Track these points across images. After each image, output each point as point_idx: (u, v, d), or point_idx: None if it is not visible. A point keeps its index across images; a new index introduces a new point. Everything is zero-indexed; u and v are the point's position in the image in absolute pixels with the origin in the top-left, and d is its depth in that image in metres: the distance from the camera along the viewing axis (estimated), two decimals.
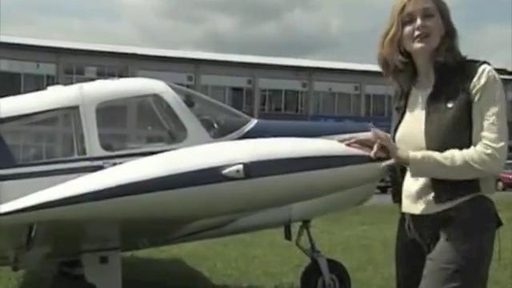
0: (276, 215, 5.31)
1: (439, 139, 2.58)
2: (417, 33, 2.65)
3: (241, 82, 46.91)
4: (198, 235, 5.28)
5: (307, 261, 6.35)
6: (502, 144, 2.54)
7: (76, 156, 5.47)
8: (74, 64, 42.18)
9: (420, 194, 2.65)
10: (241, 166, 2.77)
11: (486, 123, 2.56)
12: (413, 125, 2.69)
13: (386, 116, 45.96)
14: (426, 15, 2.65)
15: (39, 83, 36.67)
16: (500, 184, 33.09)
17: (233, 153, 2.90)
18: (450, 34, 2.68)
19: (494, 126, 2.55)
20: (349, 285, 6.07)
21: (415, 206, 2.67)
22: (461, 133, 2.57)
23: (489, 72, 2.60)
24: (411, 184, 2.69)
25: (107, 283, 4.49)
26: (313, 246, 6.26)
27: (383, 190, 19.33)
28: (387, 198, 3.16)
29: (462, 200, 2.57)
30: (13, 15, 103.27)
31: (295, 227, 6.33)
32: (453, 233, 2.55)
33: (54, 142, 7.50)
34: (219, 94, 42.00)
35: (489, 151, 2.52)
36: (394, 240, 2.84)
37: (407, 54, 2.71)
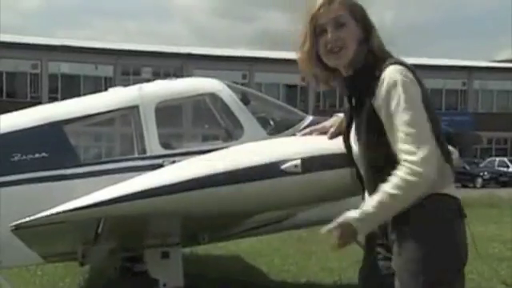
0: (333, 210, 5.32)
1: (362, 157, 2.53)
2: (329, 47, 2.49)
3: (295, 79, 46.68)
4: (257, 230, 5.34)
5: None
6: (421, 154, 2.33)
7: (136, 155, 5.63)
8: (130, 65, 42.99)
9: None
10: (299, 161, 2.83)
11: (399, 135, 2.36)
12: (353, 143, 2.63)
13: (443, 111, 45.02)
14: (338, 25, 2.48)
15: (97, 85, 37.58)
16: None
17: (291, 148, 2.96)
18: (368, 36, 2.50)
19: (409, 137, 2.34)
20: None
21: None
22: (376, 146, 2.45)
23: (390, 77, 2.39)
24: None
25: (169, 278, 4.60)
26: None
27: None
28: None
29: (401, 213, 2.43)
30: (71, 19, 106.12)
31: None
32: (398, 252, 2.48)
33: (115, 141, 7.70)
34: (273, 91, 42.04)
35: (409, 170, 2.33)
36: None
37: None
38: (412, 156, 2.33)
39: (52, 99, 31.34)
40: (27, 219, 3.32)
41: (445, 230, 2.43)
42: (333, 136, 2.94)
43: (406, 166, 2.34)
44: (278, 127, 5.65)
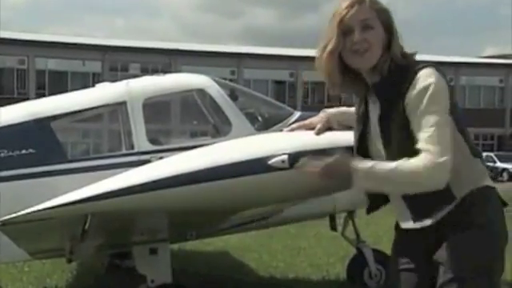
0: (321, 206, 5.34)
1: (394, 156, 2.49)
2: (355, 47, 2.51)
3: (283, 75, 46.82)
4: (245, 227, 5.35)
5: (353, 252, 6.36)
6: (445, 158, 2.38)
7: (124, 151, 5.62)
8: (118, 61, 42.82)
9: (404, 212, 2.61)
10: (286, 156, 2.83)
11: (424, 136, 2.41)
12: (376, 143, 2.62)
13: None
14: (366, 27, 2.50)
15: (85, 81, 37.42)
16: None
17: (278, 143, 2.96)
18: (392, 42, 2.53)
19: (434, 139, 2.39)
20: None
21: (407, 222, 2.63)
22: (408, 146, 2.44)
23: (423, 80, 2.44)
24: (394, 200, 2.65)
25: (157, 274, 4.60)
26: (358, 236, 6.27)
27: None
28: None
29: (444, 212, 2.48)
30: (59, 15, 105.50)
31: (340, 218, 6.35)
32: (457, 234, 2.48)
33: (102, 137, 7.68)
34: (262, 87, 42.01)
35: (433, 164, 2.37)
36: None
37: (349, 67, 2.57)
38: (435, 157, 2.38)
39: (39, 95, 31.14)
40: (13, 215, 3.30)
41: (498, 219, 2.52)
42: (320, 132, 2.95)
43: (428, 160, 2.37)
44: (267, 123, 5.66)
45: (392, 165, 2.42)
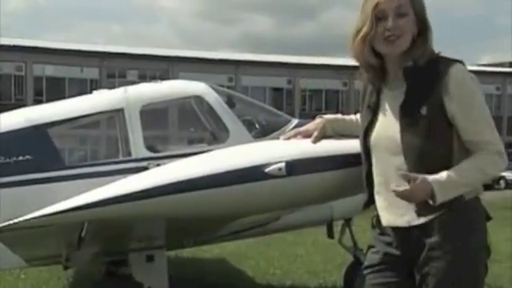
0: (318, 213, 5.35)
1: (417, 148, 2.49)
2: (387, 34, 2.52)
3: (281, 82, 46.85)
4: (242, 234, 5.35)
5: (350, 259, 6.35)
6: (502, 148, 2.52)
7: (121, 157, 5.61)
8: (116, 68, 42.80)
9: (399, 207, 2.54)
10: (283, 164, 2.83)
11: (479, 127, 2.50)
12: (387, 130, 2.59)
13: None
14: (399, 14, 2.52)
15: (83, 87, 37.38)
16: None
17: (275, 151, 2.96)
18: (423, 32, 2.56)
19: (490, 129, 2.52)
20: None
21: (400, 218, 2.57)
22: (438, 138, 2.48)
23: (463, 72, 2.50)
24: (386, 196, 2.59)
25: (154, 281, 4.59)
26: (355, 244, 6.26)
27: None
28: None
29: (442, 209, 2.46)
30: (57, 21, 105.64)
31: (338, 226, 6.35)
32: (442, 244, 2.47)
33: (100, 144, 7.68)
34: (259, 94, 42.04)
35: (498, 154, 2.50)
36: None
37: (377, 53, 2.59)
38: (498, 145, 2.52)
39: (37, 102, 31.13)
40: (9, 222, 3.30)
41: (485, 229, 2.57)
42: (317, 139, 2.95)
43: (495, 151, 2.50)
44: (264, 130, 5.66)
45: (466, 166, 2.47)
